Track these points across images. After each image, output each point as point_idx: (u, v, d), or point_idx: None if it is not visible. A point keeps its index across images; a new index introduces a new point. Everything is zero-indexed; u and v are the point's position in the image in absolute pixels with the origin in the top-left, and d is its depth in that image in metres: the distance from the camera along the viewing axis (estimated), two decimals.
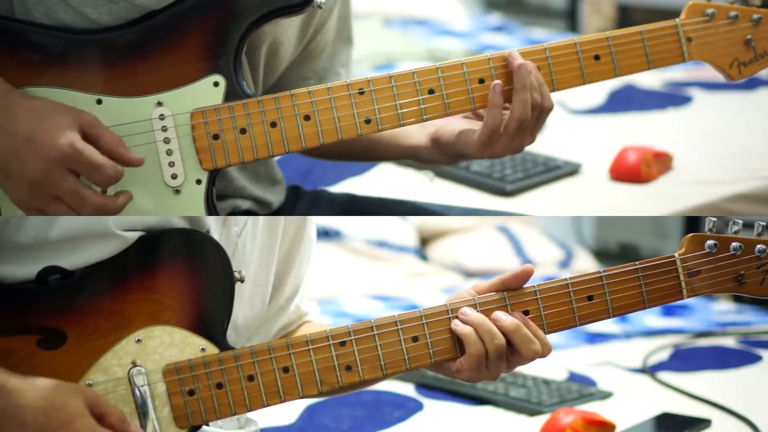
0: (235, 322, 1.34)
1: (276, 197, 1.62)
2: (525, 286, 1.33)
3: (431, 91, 1.42)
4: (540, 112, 1.42)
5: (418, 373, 2.13)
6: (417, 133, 1.55)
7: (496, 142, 1.43)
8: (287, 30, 1.50)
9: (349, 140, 1.40)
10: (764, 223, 1.36)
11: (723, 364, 2.29)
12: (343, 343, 1.29)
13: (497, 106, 1.41)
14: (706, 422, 1.90)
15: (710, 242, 1.35)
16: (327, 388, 1.29)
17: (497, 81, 1.41)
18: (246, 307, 1.38)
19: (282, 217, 1.44)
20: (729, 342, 2.48)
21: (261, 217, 1.41)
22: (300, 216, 1.48)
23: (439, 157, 1.53)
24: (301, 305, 1.51)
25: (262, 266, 1.40)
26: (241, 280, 1.30)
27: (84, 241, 1.24)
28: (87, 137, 1.30)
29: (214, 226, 1.32)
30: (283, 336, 1.49)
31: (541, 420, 1.87)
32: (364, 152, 1.63)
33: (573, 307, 1.33)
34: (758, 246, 1.36)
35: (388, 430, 1.91)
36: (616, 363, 2.29)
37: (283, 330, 1.50)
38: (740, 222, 1.36)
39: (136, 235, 1.26)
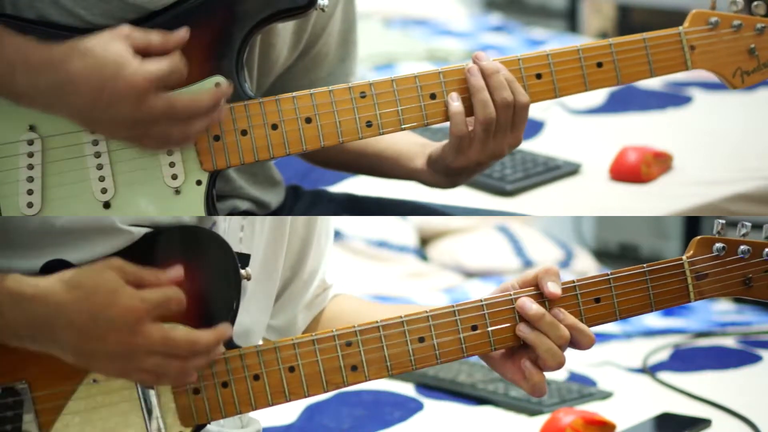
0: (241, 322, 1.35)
1: (275, 198, 1.62)
2: (530, 288, 1.32)
3: (433, 96, 1.42)
4: (515, 110, 1.41)
5: (419, 373, 2.13)
6: (417, 156, 1.56)
7: (468, 149, 1.43)
8: (279, 33, 1.50)
9: (354, 154, 1.40)
10: None
11: (723, 364, 2.29)
12: (349, 343, 1.29)
13: (456, 113, 1.41)
14: (706, 422, 1.90)
15: (718, 245, 1.35)
16: (332, 388, 1.29)
17: (453, 92, 1.41)
18: (250, 305, 1.38)
19: (288, 218, 1.45)
20: (729, 342, 2.48)
21: (259, 218, 1.41)
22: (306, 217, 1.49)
23: (436, 178, 1.53)
24: (325, 278, 1.53)
25: (266, 267, 1.41)
26: (248, 278, 1.29)
27: (89, 235, 1.24)
28: (137, 48, 1.29)
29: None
30: (315, 315, 1.53)
31: (541, 420, 1.88)
32: (369, 168, 1.64)
33: (580, 309, 1.33)
34: (766, 249, 1.35)
35: (388, 430, 1.91)
36: (616, 363, 2.30)
37: (311, 306, 1.52)
38: (749, 225, 1.36)
39: (142, 230, 1.26)
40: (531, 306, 1.30)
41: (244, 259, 1.29)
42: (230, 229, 1.35)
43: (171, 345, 1.17)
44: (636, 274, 1.34)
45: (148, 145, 1.32)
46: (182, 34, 1.32)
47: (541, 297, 1.31)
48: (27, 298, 1.15)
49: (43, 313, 1.15)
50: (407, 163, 1.58)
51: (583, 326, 1.31)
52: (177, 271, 1.21)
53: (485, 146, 1.42)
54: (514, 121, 1.41)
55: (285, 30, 1.50)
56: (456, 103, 1.41)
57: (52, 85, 1.26)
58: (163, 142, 1.32)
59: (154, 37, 1.30)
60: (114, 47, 1.26)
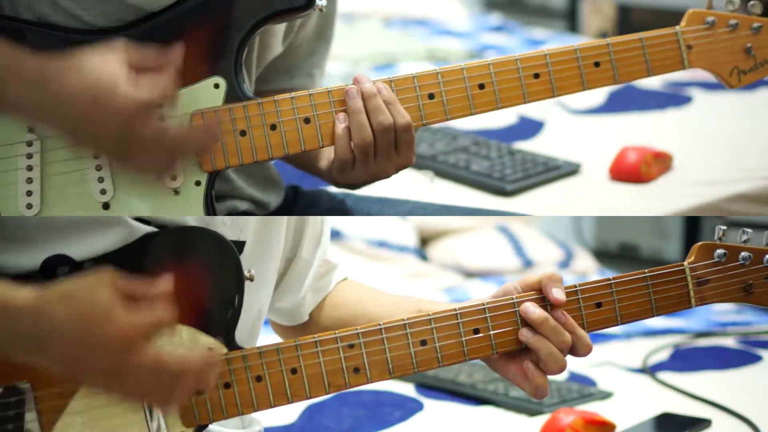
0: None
1: (274, 198, 1.62)
2: (532, 291, 1.32)
3: (431, 96, 1.42)
4: (396, 133, 1.39)
5: (419, 373, 2.13)
6: (323, 158, 1.55)
7: (351, 170, 1.42)
8: (275, 34, 1.50)
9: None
10: None
11: (723, 364, 2.29)
12: (351, 345, 1.29)
13: (339, 136, 1.39)
14: (706, 422, 1.90)
15: (720, 251, 1.36)
16: (334, 390, 1.29)
17: (340, 111, 1.39)
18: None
19: (284, 218, 1.45)
20: (729, 342, 2.48)
21: (255, 217, 1.41)
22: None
23: (336, 183, 1.52)
24: (327, 257, 1.51)
25: (257, 267, 1.40)
26: (251, 279, 1.29)
27: (91, 229, 1.24)
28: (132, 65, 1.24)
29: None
30: (322, 298, 1.51)
31: (541, 420, 1.88)
32: (296, 162, 1.63)
33: (582, 314, 1.33)
34: (767, 256, 1.36)
35: (388, 430, 1.91)
36: (616, 363, 2.30)
37: (318, 289, 1.51)
38: (750, 231, 1.36)
39: (144, 227, 1.26)
40: (534, 310, 1.30)
41: (239, 246, 1.28)
42: (229, 229, 1.35)
43: (161, 368, 1.13)
44: (638, 279, 1.34)
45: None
46: (177, 51, 1.27)
47: (543, 301, 1.32)
48: (16, 311, 1.11)
49: (32, 326, 1.11)
50: (314, 161, 1.57)
51: (582, 333, 1.31)
52: (167, 282, 1.15)
53: (367, 168, 1.41)
54: (397, 144, 1.40)
55: (278, 30, 1.50)
56: (341, 125, 1.39)
57: (42, 99, 1.21)
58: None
59: (149, 55, 1.25)
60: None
